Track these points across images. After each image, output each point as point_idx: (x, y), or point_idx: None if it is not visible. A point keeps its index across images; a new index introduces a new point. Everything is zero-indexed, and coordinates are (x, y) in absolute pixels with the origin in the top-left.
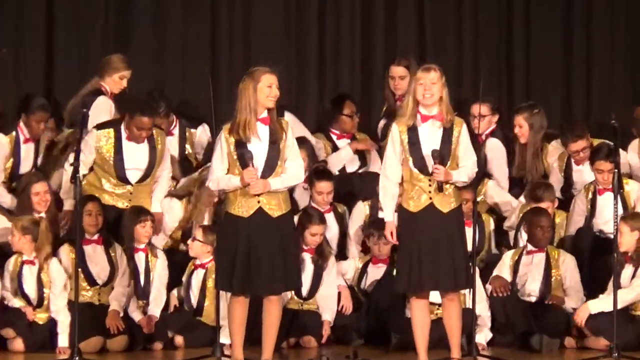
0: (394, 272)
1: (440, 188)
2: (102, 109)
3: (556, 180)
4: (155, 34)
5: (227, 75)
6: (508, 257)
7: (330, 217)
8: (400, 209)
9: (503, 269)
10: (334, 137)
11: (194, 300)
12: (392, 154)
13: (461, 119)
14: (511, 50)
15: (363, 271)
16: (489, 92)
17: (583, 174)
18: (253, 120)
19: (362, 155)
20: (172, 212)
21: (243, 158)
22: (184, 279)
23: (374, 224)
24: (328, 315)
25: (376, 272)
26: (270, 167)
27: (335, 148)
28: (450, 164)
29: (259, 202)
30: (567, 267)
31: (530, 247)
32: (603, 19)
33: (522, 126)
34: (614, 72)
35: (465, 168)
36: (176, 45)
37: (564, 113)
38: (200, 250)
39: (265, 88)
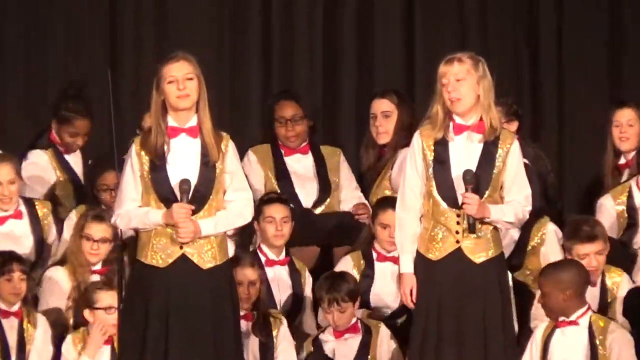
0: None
1: (471, 228)
2: None
3: (608, 227)
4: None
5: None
6: (540, 331)
7: (283, 273)
8: (416, 257)
9: (533, 349)
10: (282, 152)
11: None
12: (413, 173)
13: (512, 132)
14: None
15: (318, 350)
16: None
17: None
18: (161, 136)
19: (324, 181)
20: (57, 286)
21: (161, 185)
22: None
23: (330, 282)
24: None
25: (347, 346)
26: (200, 200)
27: (280, 167)
28: (490, 195)
29: (181, 247)
30: (617, 345)
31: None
32: None
33: (632, 124)
34: None
35: (512, 204)
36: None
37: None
38: None
39: (167, 85)
